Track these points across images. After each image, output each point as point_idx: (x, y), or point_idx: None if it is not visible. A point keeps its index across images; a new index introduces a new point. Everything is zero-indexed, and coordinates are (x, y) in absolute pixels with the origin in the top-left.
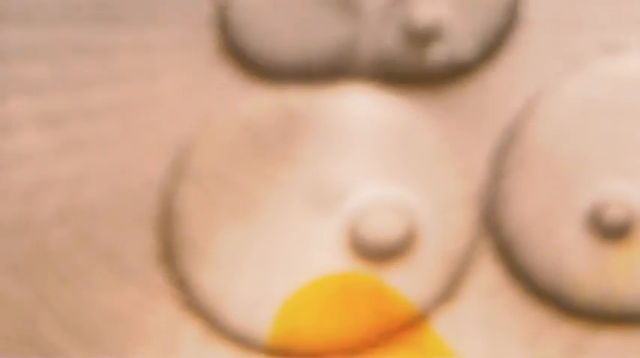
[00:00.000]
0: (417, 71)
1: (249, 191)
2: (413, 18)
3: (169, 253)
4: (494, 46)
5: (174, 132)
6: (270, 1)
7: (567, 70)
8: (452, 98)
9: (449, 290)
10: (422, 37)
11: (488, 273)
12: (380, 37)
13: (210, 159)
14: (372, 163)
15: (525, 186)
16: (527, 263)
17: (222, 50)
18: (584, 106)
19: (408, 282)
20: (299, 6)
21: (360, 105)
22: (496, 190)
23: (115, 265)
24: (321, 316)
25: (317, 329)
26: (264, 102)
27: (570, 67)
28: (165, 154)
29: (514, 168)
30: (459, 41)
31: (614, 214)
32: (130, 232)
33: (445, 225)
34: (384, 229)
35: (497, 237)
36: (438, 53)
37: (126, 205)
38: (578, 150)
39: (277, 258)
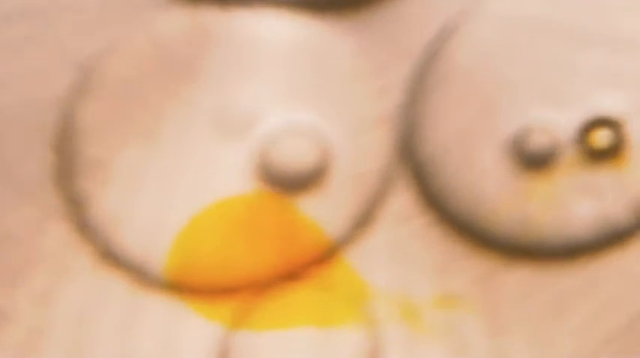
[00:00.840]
0: None
1: (154, 108)
2: None
3: (68, 171)
4: None
5: (82, 46)
6: None
7: None
8: (369, 17)
9: (362, 218)
10: None
11: (402, 200)
12: None
13: (117, 75)
14: (282, 87)
15: (444, 107)
16: (441, 189)
17: None
18: (509, 25)
19: (320, 210)
20: None
21: (273, 25)
22: (413, 112)
23: (9, 183)
24: (224, 243)
25: (218, 259)
26: (175, 18)
27: None
28: (72, 68)
29: (433, 89)
30: None
31: (537, 141)
32: (27, 148)
33: (359, 150)
34: (294, 156)
35: (413, 161)
36: None
37: (23, 119)
38: (502, 72)
39: (179, 180)
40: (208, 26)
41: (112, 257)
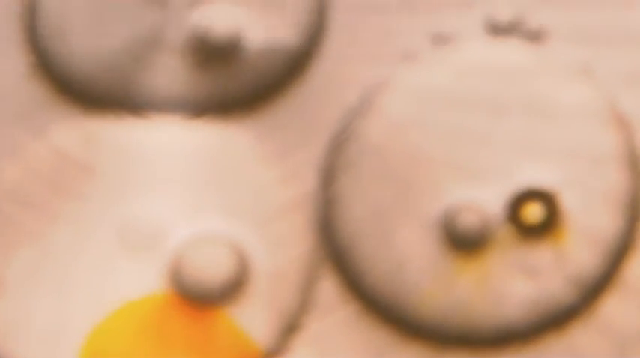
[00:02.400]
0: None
1: (49, 213)
2: (209, 34)
3: None
4: (313, 41)
5: None
6: (76, 8)
7: (398, 63)
8: (268, 109)
9: (290, 320)
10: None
11: (327, 290)
12: (187, 26)
13: (9, 181)
14: (185, 194)
15: (359, 187)
16: (363, 274)
17: (31, 67)
18: (421, 97)
19: (247, 317)
20: (103, 6)
21: (168, 133)
22: (327, 194)
23: None
24: (135, 345)
25: None
26: (71, 127)
27: (401, 59)
28: None
29: (346, 169)
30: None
31: (465, 220)
32: None
33: (275, 245)
34: (208, 268)
35: (332, 246)
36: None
37: None
38: (418, 147)
39: (80, 284)
40: (104, 135)
41: None
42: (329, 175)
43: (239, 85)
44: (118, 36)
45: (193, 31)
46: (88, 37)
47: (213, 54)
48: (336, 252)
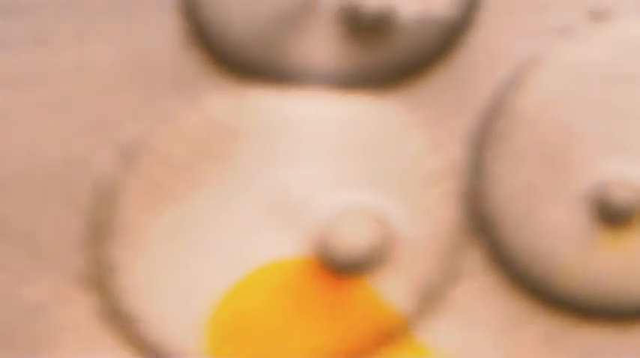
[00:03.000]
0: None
1: (195, 177)
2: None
3: (99, 237)
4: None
5: (112, 105)
6: None
7: (553, 37)
8: (421, 80)
9: (432, 289)
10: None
11: (470, 260)
12: None
13: (162, 147)
14: (333, 167)
15: (507, 160)
16: (510, 246)
17: (185, 35)
18: (576, 74)
19: (389, 286)
20: None
21: (319, 105)
22: (476, 167)
23: (32, 250)
24: (270, 312)
25: (264, 330)
26: (225, 97)
27: (556, 34)
28: (111, 141)
29: (496, 142)
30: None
31: (619, 196)
32: (51, 214)
33: (421, 215)
34: (353, 238)
35: (478, 217)
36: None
37: (46, 184)
38: (570, 122)
39: (218, 246)
40: (255, 104)
41: (138, 337)
42: (478, 147)
43: (391, 57)
44: (272, 2)
45: (345, 3)
46: (243, 2)
47: (365, 27)
48: (481, 224)
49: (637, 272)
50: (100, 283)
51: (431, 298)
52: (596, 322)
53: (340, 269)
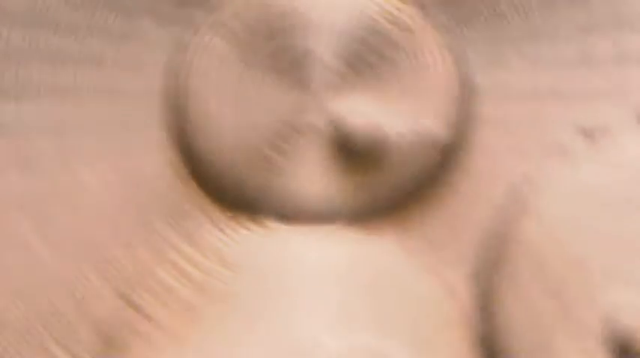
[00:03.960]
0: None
1: (194, 320)
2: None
3: None
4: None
5: (102, 233)
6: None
7: (549, 157)
8: (419, 213)
9: None
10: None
11: None
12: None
13: (162, 285)
14: (338, 309)
15: (515, 294)
16: None
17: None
18: (575, 198)
19: None
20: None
21: (320, 245)
22: (481, 301)
23: None
24: None
25: None
26: (214, 232)
27: (552, 154)
28: (86, 261)
29: (498, 270)
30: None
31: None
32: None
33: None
34: None
35: (486, 347)
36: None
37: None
38: (575, 251)
39: None
40: (248, 240)
41: None
42: (481, 279)
43: (384, 182)
44: (258, 125)
45: (332, 126)
46: (231, 130)
47: (356, 152)
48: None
49: None
50: None
51: None
52: None
53: None
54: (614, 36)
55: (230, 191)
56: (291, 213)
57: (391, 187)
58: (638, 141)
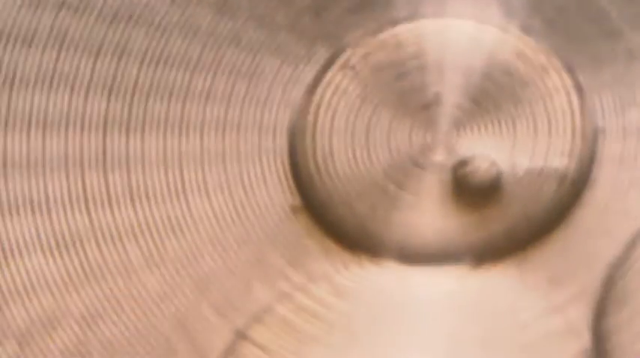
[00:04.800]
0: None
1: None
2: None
3: None
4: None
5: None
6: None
7: None
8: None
9: None
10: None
11: None
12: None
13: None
14: (446, 348)
15: (632, 322)
16: None
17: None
18: None
19: None
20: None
21: (425, 280)
22: (600, 330)
23: None
24: None
25: None
26: (331, 273)
27: None
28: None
29: (619, 304)
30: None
31: None
32: None
33: None
34: None
35: None
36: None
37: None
38: None
39: None
40: (365, 281)
41: None
42: (601, 309)
43: (503, 221)
44: (382, 162)
45: (457, 163)
46: (354, 168)
47: (475, 190)
48: None
49: None
50: None
51: None
52: None
53: None
54: None
55: (350, 227)
56: (410, 253)
57: (512, 224)
58: None
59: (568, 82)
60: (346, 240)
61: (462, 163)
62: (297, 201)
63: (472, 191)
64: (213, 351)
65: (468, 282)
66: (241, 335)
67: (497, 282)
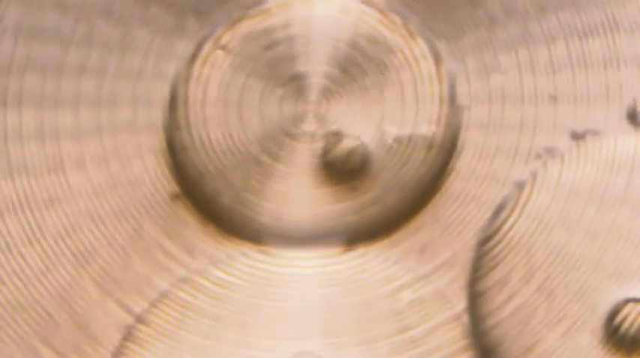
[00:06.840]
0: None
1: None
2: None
3: None
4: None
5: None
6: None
7: (539, 159)
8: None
9: None
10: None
11: None
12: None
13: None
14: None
15: (504, 290)
16: None
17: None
18: (565, 196)
19: None
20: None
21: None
22: (472, 300)
23: None
24: None
25: None
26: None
27: (541, 155)
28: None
29: (490, 271)
30: None
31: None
32: None
33: None
34: None
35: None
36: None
37: None
38: (564, 247)
39: None
40: (244, 265)
41: None
42: (473, 274)
43: (372, 203)
44: (256, 132)
45: (323, 156)
46: (228, 137)
47: (341, 171)
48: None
49: None
50: None
51: None
52: None
53: None
54: (606, 38)
55: (226, 200)
56: (284, 225)
57: (383, 193)
58: (626, 143)
59: (433, 48)
60: (222, 214)
61: (331, 143)
62: (175, 189)
63: (342, 169)
64: (95, 324)
65: (341, 259)
66: (126, 310)
67: (371, 257)
